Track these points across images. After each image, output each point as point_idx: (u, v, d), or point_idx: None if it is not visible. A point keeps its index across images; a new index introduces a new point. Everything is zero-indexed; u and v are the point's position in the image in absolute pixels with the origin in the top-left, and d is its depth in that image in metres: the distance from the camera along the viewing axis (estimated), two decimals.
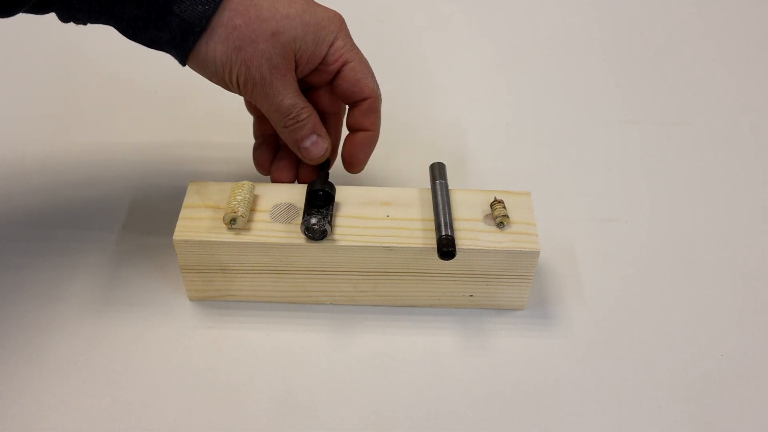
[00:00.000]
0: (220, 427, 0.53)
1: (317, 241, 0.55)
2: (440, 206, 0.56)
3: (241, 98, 0.81)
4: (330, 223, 0.54)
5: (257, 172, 0.71)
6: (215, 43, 0.51)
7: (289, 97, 0.54)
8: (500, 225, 0.56)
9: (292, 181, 0.61)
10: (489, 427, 0.53)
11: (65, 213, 0.67)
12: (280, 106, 0.54)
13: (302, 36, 0.53)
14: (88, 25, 0.52)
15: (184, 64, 0.53)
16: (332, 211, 0.56)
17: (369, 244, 0.55)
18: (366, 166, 0.61)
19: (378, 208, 0.58)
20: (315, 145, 0.57)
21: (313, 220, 0.54)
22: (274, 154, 0.62)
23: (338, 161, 0.64)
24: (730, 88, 0.84)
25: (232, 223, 0.55)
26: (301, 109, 0.55)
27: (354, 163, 0.60)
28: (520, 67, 0.86)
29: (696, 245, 0.66)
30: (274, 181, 0.62)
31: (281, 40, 0.52)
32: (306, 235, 0.55)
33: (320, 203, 0.56)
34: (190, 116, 0.78)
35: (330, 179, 0.69)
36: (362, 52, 0.59)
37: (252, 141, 0.65)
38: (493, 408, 0.54)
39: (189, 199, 0.58)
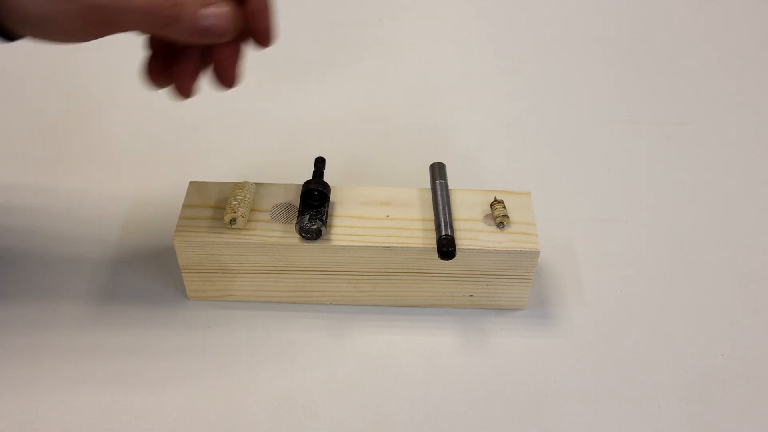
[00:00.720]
0: (220, 427, 0.53)
1: (313, 240, 0.55)
2: (440, 206, 0.56)
3: (240, 100, 0.81)
4: (324, 222, 0.54)
5: (257, 172, 0.71)
6: None
7: None
8: (500, 225, 0.56)
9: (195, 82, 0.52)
10: (489, 427, 0.53)
11: (65, 213, 0.67)
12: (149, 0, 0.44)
13: None
14: None
15: (11, 39, 0.45)
16: (327, 210, 0.56)
17: (369, 244, 0.55)
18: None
19: (378, 208, 0.58)
20: (215, 17, 0.45)
21: (308, 220, 0.54)
22: (169, 62, 0.52)
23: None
24: (730, 88, 0.84)
25: (232, 223, 0.55)
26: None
27: (262, 36, 0.49)
28: (520, 67, 0.87)
29: (696, 245, 0.66)
30: (178, 89, 0.52)
31: None
32: (301, 235, 0.55)
33: (315, 202, 0.56)
34: (191, 116, 0.78)
35: (330, 179, 0.69)
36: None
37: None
38: (493, 408, 0.54)
39: (189, 199, 0.58)
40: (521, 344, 0.58)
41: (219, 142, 0.75)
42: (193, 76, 0.51)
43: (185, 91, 0.52)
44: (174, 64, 0.51)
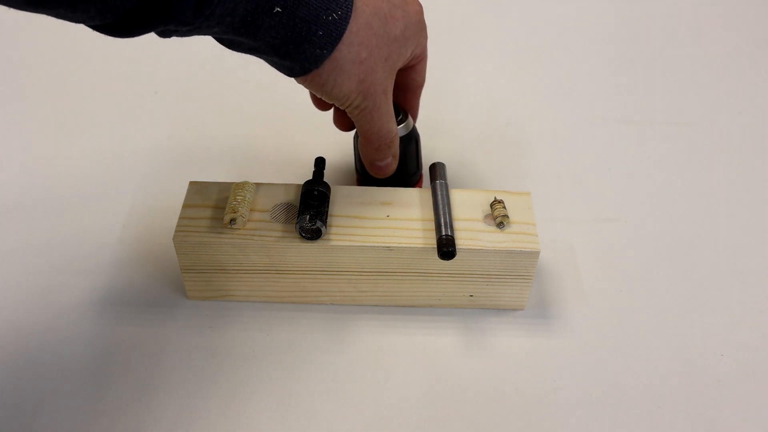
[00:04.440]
0: (220, 427, 0.53)
1: (313, 240, 0.55)
2: (440, 206, 0.56)
3: (240, 100, 0.81)
4: (324, 222, 0.54)
5: (257, 173, 0.71)
6: (343, 78, 0.50)
7: (391, 122, 0.55)
8: (500, 225, 0.56)
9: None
10: (489, 428, 0.53)
11: (65, 213, 0.67)
12: (380, 131, 0.55)
13: (405, 53, 0.54)
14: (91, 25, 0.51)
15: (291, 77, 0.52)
16: (327, 209, 0.56)
17: (369, 244, 0.55)
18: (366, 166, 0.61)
19: (378, 208, 0.58)
20: (388, 167, 0.59)
21: (308, 220, 0.54)
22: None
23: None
24: (730, 88, 0.84)
25: (231, 223, 0.55)
26: (395, 135, 0.57)
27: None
28: (520, 67, 0.86)
29: (696, 245, 0.66)
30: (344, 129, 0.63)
31: (390, 63, 0.53)
32: (301, 235, 0.55)
33: (315, 202, 0.56)
34: (190, 116, 0.78)
35: (330, 179, 0.69)
36: None
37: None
38: (493, 408, 0.54)
39: (189, 199, 0.58)
40: (521, 344, 0.58)
41: (219, 142, 0.75)
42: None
43: (349, 130, 0.64)
44: (346, 117, 0.61)
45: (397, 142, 0.58)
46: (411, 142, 0.61)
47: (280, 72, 0.51)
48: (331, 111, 0.64)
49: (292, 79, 0.51)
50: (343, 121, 0.62)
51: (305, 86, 0.52)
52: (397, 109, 0.61)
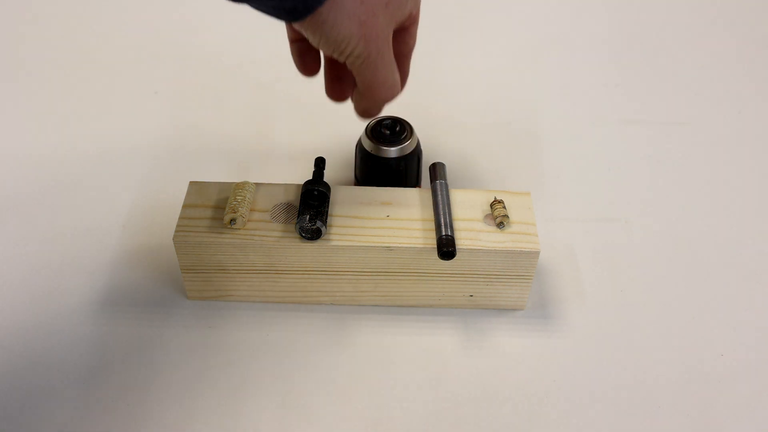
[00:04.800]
0: (220, 427, 0.53)
1: (312, 240, 0.55)
2: (440, 206, 0.56)
3: (239, 99, 0.81)
4: (324, 222, 0.54)
5: (257, 173, 0.71)
6: (343, 17, 0.47)
7: (395, 73, 0.53)
8: (500, 225, 0.56)
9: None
10: (489, 427, 0.53)
11: (65, 213, 0.67)
12: (386, 81, 0.52)
13: (404, 5, 0.52)
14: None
15: (291, 22, 0.49)
16: (327, 209, 0.56)
17: (369, 244, 0.55)
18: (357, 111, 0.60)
19: (378, 208, 0.58)
20: (378, 113, 0.56)
21: (308, 220, 0.54)
22: (338, 83, 0.59)
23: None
24: (730, 88, 0.84)
25: (231, 223, 0.55)
26: (399, 87, 0.54)
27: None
28: (520, 67, 0.86)
29: (696, 245, 0.66)
30: (340, 99, 0.60)
31: (390, 10, 0.50)
32: (301, 235, 0.55)
33: (315, 202, 0.56)
34: (190, 116, 0.78)
35: (330, 179, 0.69)
36: None
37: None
38: (493, 408, 0.54)
39: (189, 199, 0.58)
40: (521, 344, 0.58)
41: (219, 142, 0.75)
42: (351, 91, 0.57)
43: (344, 99, 0.59)
44: (341, 83, 0.58)
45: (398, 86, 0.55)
46: (414, 158, 0.61)
47: (278, 17, 0.48)
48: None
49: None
50: (337, 88, 0.59)
51: (301, 30, 0.49)
52: (402, 124, 0.61)
